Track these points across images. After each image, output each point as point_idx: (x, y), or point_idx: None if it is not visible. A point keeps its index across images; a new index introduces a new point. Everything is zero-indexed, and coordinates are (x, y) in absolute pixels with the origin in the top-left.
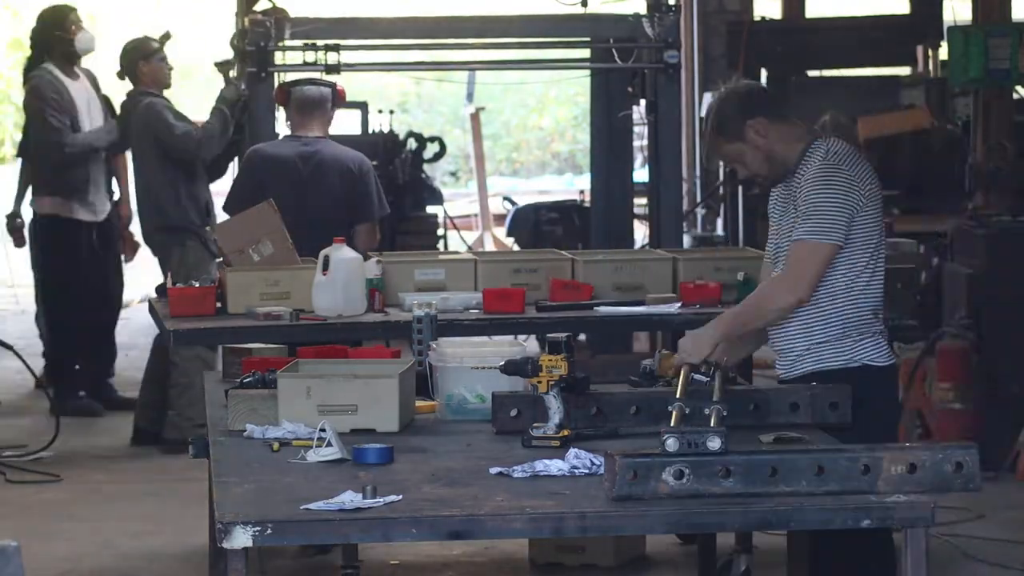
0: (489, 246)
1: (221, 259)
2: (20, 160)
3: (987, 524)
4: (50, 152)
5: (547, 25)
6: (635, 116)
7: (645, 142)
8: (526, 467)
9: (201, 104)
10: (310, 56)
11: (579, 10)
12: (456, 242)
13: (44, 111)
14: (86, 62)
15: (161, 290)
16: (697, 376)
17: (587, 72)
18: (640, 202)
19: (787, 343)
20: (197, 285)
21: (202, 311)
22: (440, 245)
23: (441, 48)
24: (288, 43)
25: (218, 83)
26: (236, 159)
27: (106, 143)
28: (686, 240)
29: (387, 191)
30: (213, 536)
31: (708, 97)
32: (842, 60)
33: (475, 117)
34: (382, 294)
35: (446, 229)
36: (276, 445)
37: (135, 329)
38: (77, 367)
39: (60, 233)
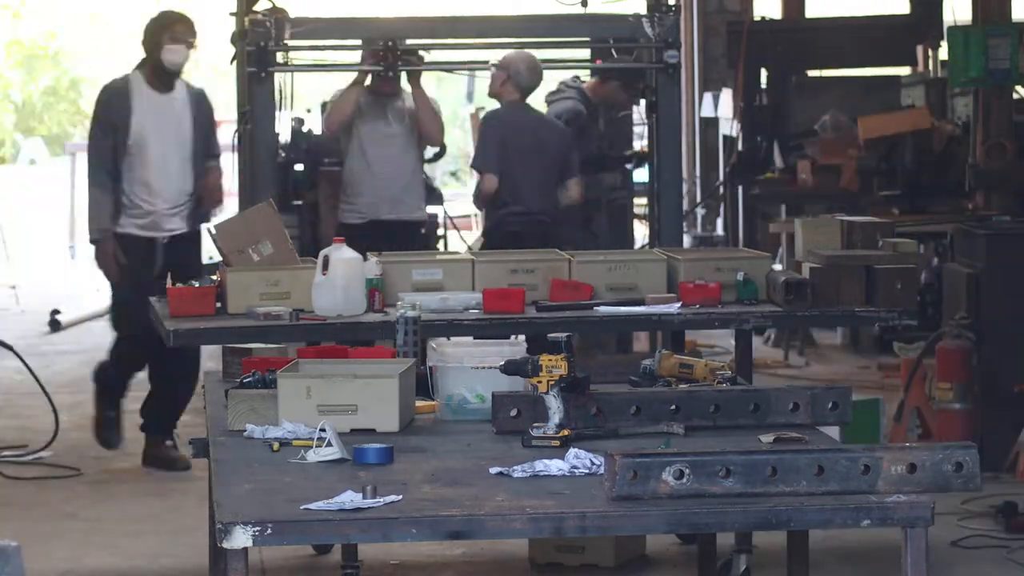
0: None
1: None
2: None
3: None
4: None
5: (547, 25)
6: (635, 116)
7: (645, 142)
8: (526, 467)
9: None
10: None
11: (579, 10)
12: (456, 242)
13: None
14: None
15: (161, 290)
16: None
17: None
18: (640, 202)
19: None
20: (197, 285)
21: (202, 311)
22: (440, 245)
23: (441, 48)
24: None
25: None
26: None
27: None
28: (686, 240)
29: None
30: (213, 536)
31: (708, 97)
32: (842, 60)
33: (475, 117)
34: (382, 294)
35: (446, 229)
36: (276, 445)
37: None
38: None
39: None
